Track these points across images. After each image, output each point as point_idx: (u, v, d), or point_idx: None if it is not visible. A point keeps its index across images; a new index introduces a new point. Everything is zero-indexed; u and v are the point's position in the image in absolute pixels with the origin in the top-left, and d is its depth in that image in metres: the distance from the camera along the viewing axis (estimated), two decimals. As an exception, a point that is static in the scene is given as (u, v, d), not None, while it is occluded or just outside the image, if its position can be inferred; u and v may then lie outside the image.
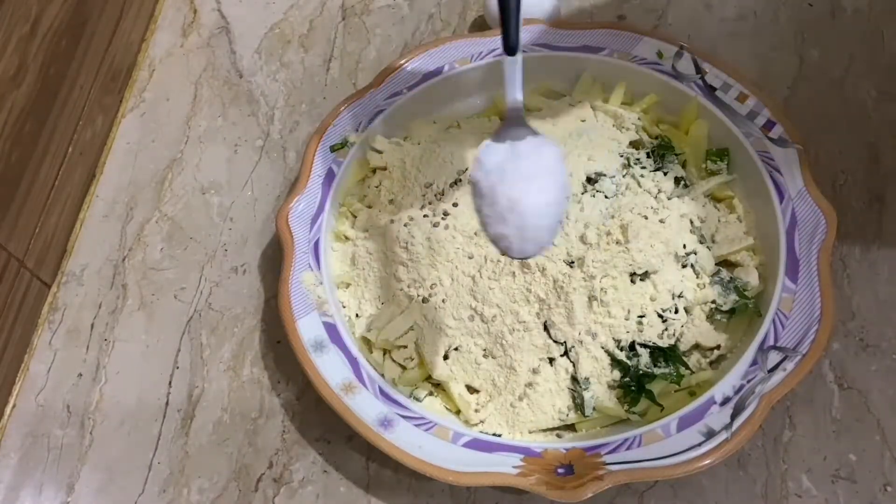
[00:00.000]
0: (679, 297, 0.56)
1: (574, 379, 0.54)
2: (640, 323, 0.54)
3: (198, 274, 0.65)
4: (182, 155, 0.71)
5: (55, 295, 0.65)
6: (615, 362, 0.54)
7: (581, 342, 0.54)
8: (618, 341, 0.54)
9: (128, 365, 0.62)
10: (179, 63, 0.77)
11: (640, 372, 0.54)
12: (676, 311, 0.55)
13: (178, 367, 0.61)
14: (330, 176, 0.61)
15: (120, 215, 0.68)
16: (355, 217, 0.62)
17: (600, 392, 0.54)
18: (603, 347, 0.54)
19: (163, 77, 0.76)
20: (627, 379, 0.54)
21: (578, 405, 0.54)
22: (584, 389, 0.54)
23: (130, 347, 0.62)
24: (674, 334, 0.55)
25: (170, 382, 0.60)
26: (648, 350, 0.55)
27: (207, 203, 0.69)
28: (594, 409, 0.54)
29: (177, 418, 0.59)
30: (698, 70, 0.63)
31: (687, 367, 0.55)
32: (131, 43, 0.77)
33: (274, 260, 0.65)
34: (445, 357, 0.56)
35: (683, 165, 0.62)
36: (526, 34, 0.66)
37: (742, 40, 0.73)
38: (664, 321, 0.55)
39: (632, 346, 0.55)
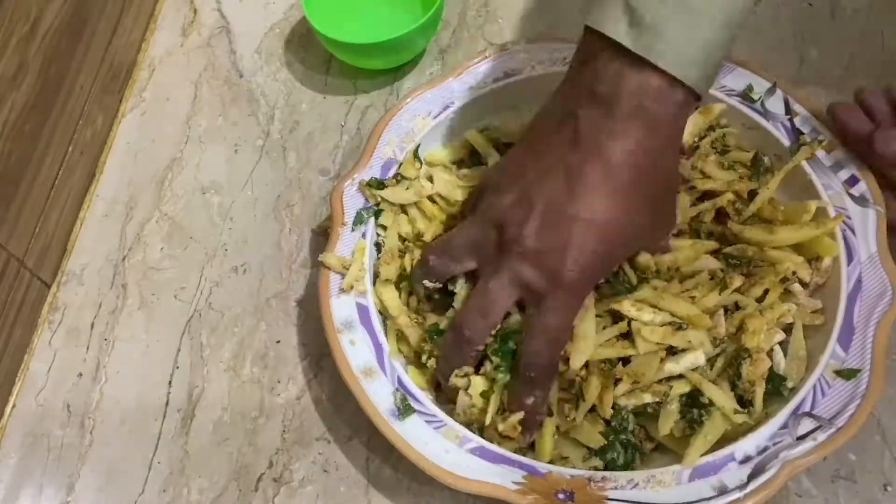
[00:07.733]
0: None
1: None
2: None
3: (198, 274, 0.65)
4: (182, 155, 0.71)
5: (55, 295, 0.65)
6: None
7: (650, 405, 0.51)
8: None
9: (128, 365, 0.62)
10: (179, 63, 0.77)
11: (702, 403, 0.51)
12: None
13: (178, 367, 0.61)
14: (388, 165, 0.61)
15: (120, 215, 0.68)
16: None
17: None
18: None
19: (163, 77, 0.76)
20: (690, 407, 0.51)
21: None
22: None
23: (130, 347, 0.62)
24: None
25: (170, 382, 0.60)
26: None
27: (207, 203, 0.69)
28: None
29: (177, 418, 0.59)
30: (788, 111, 0.59)
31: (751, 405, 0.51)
32: (131, 42, 0.77)
33: (274, 260, 0.65)
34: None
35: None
36: None
37: (742, 40, 0.72)
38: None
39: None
